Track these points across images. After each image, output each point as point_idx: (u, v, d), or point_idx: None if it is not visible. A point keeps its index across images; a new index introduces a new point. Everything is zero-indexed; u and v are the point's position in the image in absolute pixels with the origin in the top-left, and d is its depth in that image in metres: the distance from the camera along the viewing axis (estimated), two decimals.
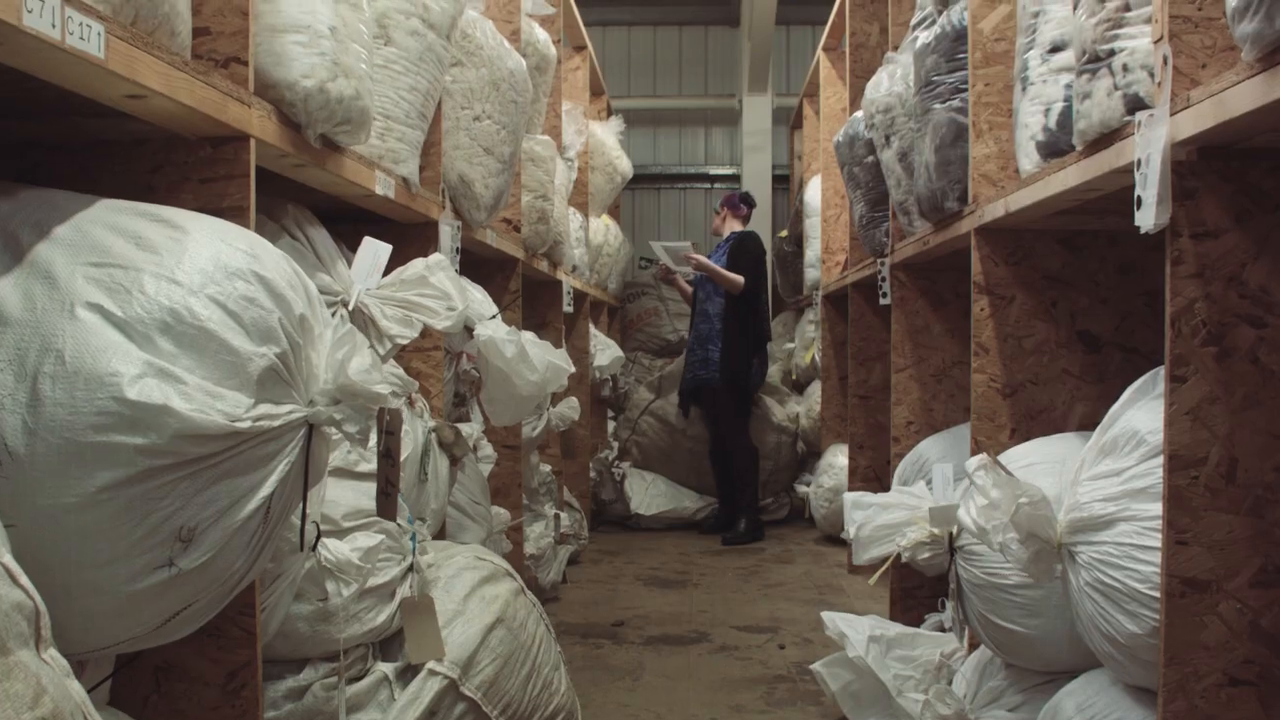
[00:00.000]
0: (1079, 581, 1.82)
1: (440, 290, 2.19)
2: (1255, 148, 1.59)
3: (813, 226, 6.04)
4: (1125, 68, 1.75)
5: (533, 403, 2.73)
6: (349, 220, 2.58)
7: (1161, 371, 1.89)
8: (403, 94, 2.32)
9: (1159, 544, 1.66)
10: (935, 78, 2.87)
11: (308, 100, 1.71)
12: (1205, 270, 1.60)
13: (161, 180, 1.61)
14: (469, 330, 2.74)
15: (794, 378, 6.72)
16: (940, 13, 3.08)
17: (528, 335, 3.76)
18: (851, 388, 4.85)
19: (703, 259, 5.62)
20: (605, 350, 6.01)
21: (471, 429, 2.99)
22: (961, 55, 2.79)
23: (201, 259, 1.23)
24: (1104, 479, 1.82)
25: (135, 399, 1.11)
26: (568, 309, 4.77)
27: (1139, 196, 1.61)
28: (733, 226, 5.87)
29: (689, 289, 5.94)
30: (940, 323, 3.70)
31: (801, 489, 5.97)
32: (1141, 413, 1.82)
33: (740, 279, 5.54)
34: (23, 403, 1.11)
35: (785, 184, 8.11)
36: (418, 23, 2.32)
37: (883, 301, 3.80)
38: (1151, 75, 1.71)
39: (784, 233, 7.29)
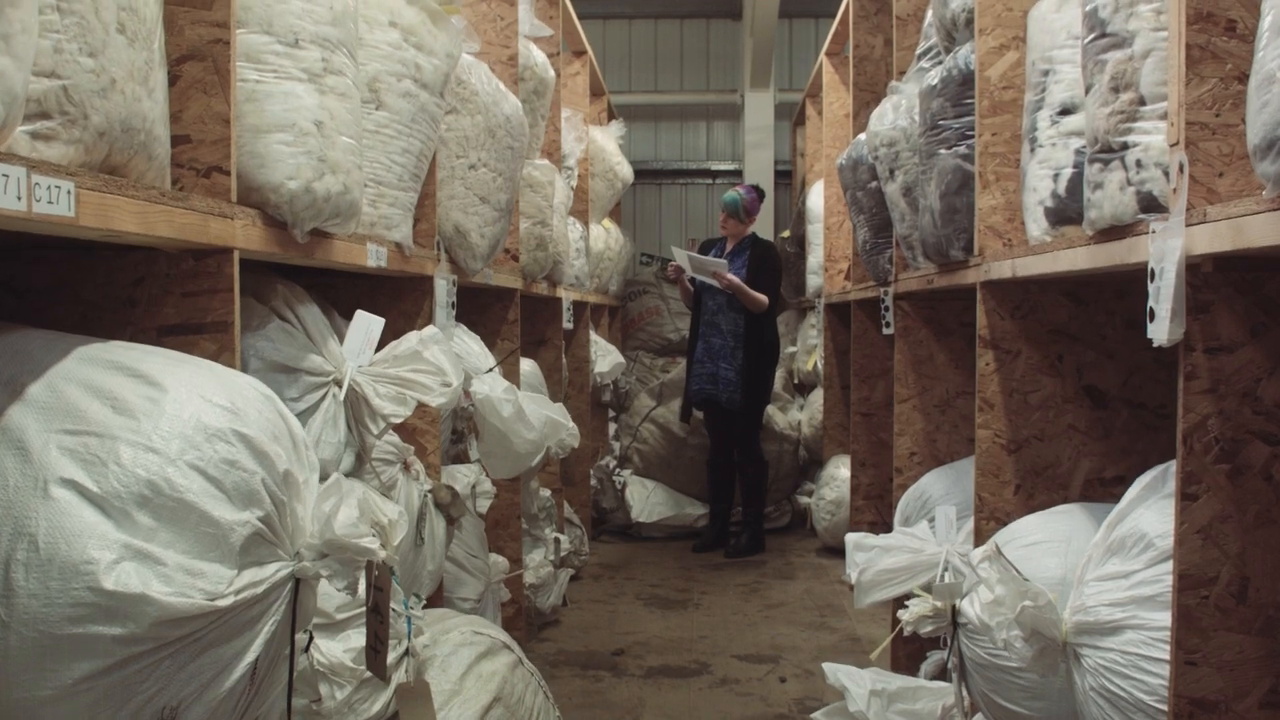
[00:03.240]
0: (1084, 684, 1.79)
1: (434, 365, 2.15)
2: (1271, 258, 1.54)
3: (815, 233, 5.97)
4: (1139, 164, 1.69)
5: (531, 458, 2.69)
6: (342, 274, 2.53)
7: (1171, 469, 1.85)
8: (395, 158, 2.26)
9: (1167, 656, 1.63)
10: (941, 121, 2.80)
11: (293, 201, 1.66)
12: (1219, 386, 1.56)
13: (143, 293, 1.56)
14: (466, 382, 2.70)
15: (795, 381, 6.67)
16: (947, 49, 3.01)
17: (528, 374, 3.71)
18: (854, 405, 4.80)
19: (734, 280, 5.27)
20: (606, 356, 5.97)
21: (469, 472, 2.96)
22: (968, 100, 2.72)
23: (180, 421, 1.19)
24: (1111, 580, 1.78)
25: (112, 589, 1.07)
26: (567, 325, 4.72)
27: (1152, 308, 1.56)
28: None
29: (691, 291, 5.71)
30: (944, 353, 3.65)
31: (803, 500, 5.95)
32: (1150, 513, 1.78)
33: (765, 299, 5.34)
34: None
35: (788, 179, 8.03)
36: (410, 84, 2.26)
37: (886, 331, 3.75)
38: (1166, 175, 1.66)
39: (786, 233, 7.22)
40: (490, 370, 2.72)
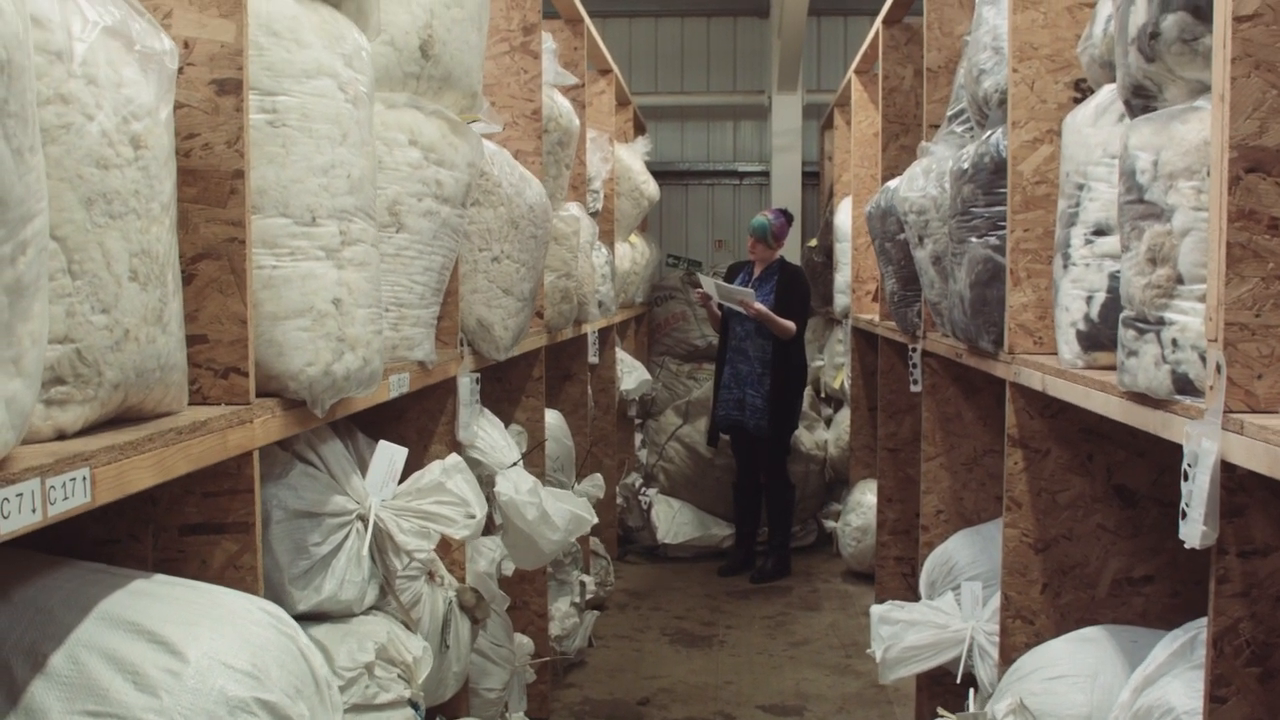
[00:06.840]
0: None
1: (458, 497, 2.15)
2: None
3: (843, 251, 5.90)
4: (1175, 343, 1.65)
5: (555, 554, 2.69)
6: None
7: (1200, 636, 1.82)
8: (416, 278, 2.24)
9: None
10: (973, 209, 2.74)
11: (312, 386, 1.65)
12: (1252, 589, 1.53)
13: (164, 492, 1.56)
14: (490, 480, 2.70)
15: (822, 396, 6.63)
16: (980, 124, 2.94)
17: (553, 426, 3.70)
18: (881, 440, 4.77)
19: (762, 309, 5.28)
20: (632, 373, 5.96)
21: (494, 546, 2.96)
22: (1000, 190, 2.66)
23: (202, 695, 1.19)
24: None
25: None
26: (593, 360, 4.71)
27: (1184, 509, 1.52)
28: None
29: (719, 315, 5.70)
30: (972, 410, 3.61)
31: (829, 524, 5.93)
32: (1178, 683, 1.75)
33: (793, 327, 5.34)
34: None
35: (815, 180, 7.92)
36: (431, 202, 2.23)
37: (913, 389, 3.71)
38: (1203, 359, 1.61)
39: (813, 241, 7.14)
40: (515, 464, 2.71)
